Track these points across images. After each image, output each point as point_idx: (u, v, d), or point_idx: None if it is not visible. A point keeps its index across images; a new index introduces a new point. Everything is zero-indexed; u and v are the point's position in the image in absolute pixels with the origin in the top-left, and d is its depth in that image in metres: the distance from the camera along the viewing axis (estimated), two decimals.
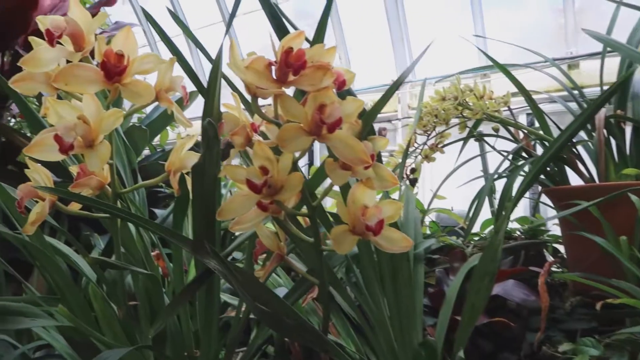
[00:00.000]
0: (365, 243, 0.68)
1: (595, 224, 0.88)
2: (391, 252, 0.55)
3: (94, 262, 0.63)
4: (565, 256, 1.09)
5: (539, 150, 1.18)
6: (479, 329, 0.87)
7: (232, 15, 0.59)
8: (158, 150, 1.74)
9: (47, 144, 0.52)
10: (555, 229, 1.17)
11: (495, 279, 0.67)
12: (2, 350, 0.77)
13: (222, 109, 0.58)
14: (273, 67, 0.48)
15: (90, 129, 0.51)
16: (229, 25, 0.60)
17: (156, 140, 1.94)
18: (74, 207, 0.64)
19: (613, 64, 1.12)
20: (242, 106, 0.58)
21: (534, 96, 1.09)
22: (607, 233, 0.86)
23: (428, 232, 1.36)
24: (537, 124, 1.26)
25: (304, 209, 0.64)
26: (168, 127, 2.03)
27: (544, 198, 1.18)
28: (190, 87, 0.69)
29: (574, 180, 1.06)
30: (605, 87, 1.08)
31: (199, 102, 1.25)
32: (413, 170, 1.21)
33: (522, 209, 1.95)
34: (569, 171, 1.06)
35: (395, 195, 1.12)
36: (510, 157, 1.15)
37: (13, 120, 1.73)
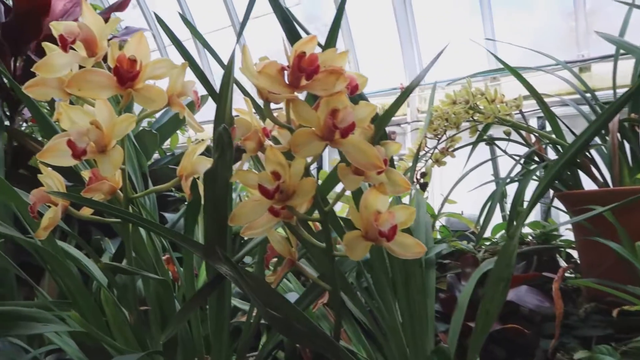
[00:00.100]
0: (377, 248, 0.68)
1: (610, 229, 0.87)
2: (404, 258, 0.54)
3: (106, 267, 0.63)
4: (578, 261, 1.07)
5: (550, 154, 1.17)
6: (492, 336, 0.86)
7: (244, 21, 0.59)
8: (168, 154, 1.74)
9: (60, 149, 0.52)
10: (568, 234, 1.16)
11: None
12: (14, 354, 0.78)
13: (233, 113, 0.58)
14: (285, 72, 0.48)
15: (103, 135, 0.51)
16: (240, 30, 0.60)
17: (166, 144, 1.95)
18: (86, 211, 0.64)
19: (626, 66, 1.10)
20: (253, 110, 0.58)
21: (546, 99, 1.08)
22: (622, 238, 0.85)
23: (438, 236, 1.35)
24: (548, 128, 1.25)
25: (315, 214, 0.64)
26: (178, 131, 2.04)
27: (555, 202, 1.17)
28: (200, 90, 0.69)
29: (587, 184, 1.04)
30: (619, 90, 1.07)
31: (208, 105, 1.25)
32: (423, 175, 1.21)
33: (533, 213, 1.93)
34: (582, 175, 1.05)
35: (406, 200, 1.12)
36: (521, 161, 1.13)
37: (25, 124, 1.75)
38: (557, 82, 1.31)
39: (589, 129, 0.58)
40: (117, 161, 0.51)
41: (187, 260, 0.69)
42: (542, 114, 1.89)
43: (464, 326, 0.81)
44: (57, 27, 0.53)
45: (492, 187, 1.33)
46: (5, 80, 1.27)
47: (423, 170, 1.22)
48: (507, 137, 1.14)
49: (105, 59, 0.57)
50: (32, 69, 0.53)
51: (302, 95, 0.51)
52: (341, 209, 1.29)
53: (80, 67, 0.56)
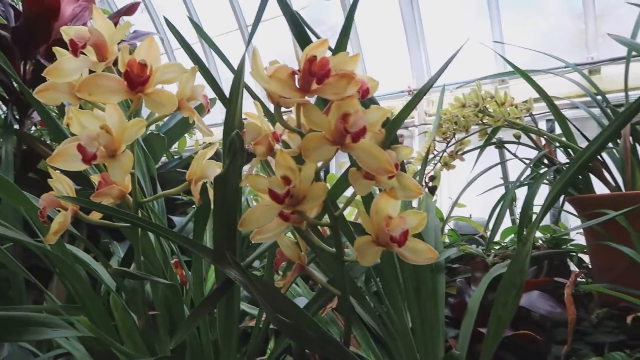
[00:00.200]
0: (387, 253, 0.67)
1: (623, 234, 0.86)
2: (416, 264, 0.53)
3: (116, 273, 0.62)
4: (590, 266, 1.06)
5: (560, 157, 1.16)
6: (503, 341, 0.85)
7: (254, 26, 0.59)
8: (175, 157, 1.74)
9: (70, 153, 0.52)
10: (579, 238, 1.15)
11: None
12: (23, 358, 0.78)
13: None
14: (296, 76, 0.47)
15: (113, 139, 0.51)
16: (250, 36, 0.60)
17: (173, 147, 1.95)
18: (95, 216, 0.64)
19: (637, 68, 1.09)
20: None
21: (555, 102, 1.07)
22: (636, 243, 0.84)
23: (447, 240, 1.34)
24: (557, 130, 1.23)
25: (324, 219, 0.63)
26: (185, 134, 2.04)
27: (566, 206, 1.16)
28: (208, 93, 0.68)
29: (599, 188, 1.03)
30: (631, 93, 1.06)
31: (215, 108, 1.25)
32: (432, 178, 1.20)
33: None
34: (593, 178, 1.03)
35: (414, 204, 1.11)
36: (531, 164, 1.12)
37: (33, 127, 1.76)
38: (565, 85, 1.30)
39: (602, 134, 0.58)
40: (127, 166, 0.51)
41: (196, 264, 0.69)
42: (551, 117, 1.88)
43: (474, 332, 0.80)
44: (67, 32, 0.53)
45: (500, 190, 1.32)
46: (15, 84, 1.28)
47: (432, 173, 1.21)
48: (517, 141, 1.13)
49: (115, 63, 0.57)
50: (42, 74, 0.53)
51: (311, 100, 0.50)
52: (348, 212, 1.29)
53: (91, 71, 0.56)
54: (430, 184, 1.23)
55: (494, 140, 1.22)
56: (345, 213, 1.24)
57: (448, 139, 1.15)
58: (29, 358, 0.79)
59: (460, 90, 1.25)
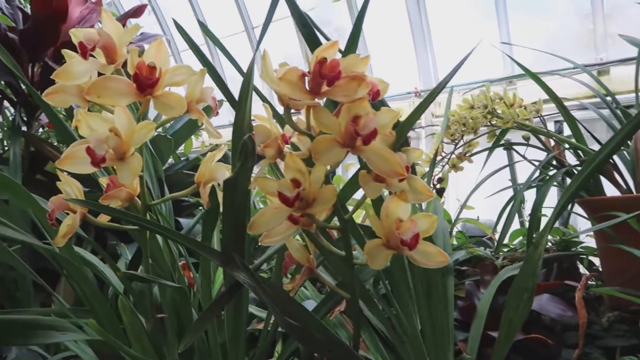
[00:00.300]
0: (397, 256, 0.67)
1: (634, 236, 0.85)
2: (426, 267, 0.53)
3: (125, 276, 0.62)
4: (600, 269, 1.05)
5: (569, 159, 1.15)
6: (513, 345, 0.84)
7: (264, 30, 0.59)
8: (182, 159, 1.75)
9: (78, 156, 0.52)
10: (589, 241, 1.13)
11: None
12: None
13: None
14: (306, 78, 0.47)
15: (122, 142, 0.50)
16: (260, 38, 0.60)
17: (179, 149, 1.95)
18: (103, 218, 0.63)
19: None
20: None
21: (564, 103, 1.06)
22: None
23: (455, 242, 1.33)
24: (565, 132, 1.22)
25: (333, 221, 0.63)
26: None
27: (575, 208, 1.15)
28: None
29: (609, 190, 1.02)
30: None
31: (222, 110, 1.25)
32: (440, 180, 1.19)
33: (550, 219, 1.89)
34: (603, 180, 1.02)
35: (423, 206, 1.10)
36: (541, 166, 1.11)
37: (41, 129, 1.76)
38: (573, 86, 1.29)
39: (615, 138, 0.57)
40: (136, 168, 0.51)
41: (204, 267, 0.68)
42: (559, 118, 1.86)
43: (484, 335, 0.79)
44: (76, 34, 0.53)
45: (508, 192, 1.31)
46: (23, 87, 1.28)
47: (439, 175, 1.20)
48: (526, 142, 1.12)
49: (123, 65, 0.56)
50: (51, 77, 0.53)
51: (320, 102, 0.50)
52: (355, 214, 1.28)
53: (99, 74, 0.55)
54: (438, 186, 1.22)
55: (502, 141, 1.21)
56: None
57: (456, 141, 1.14)
58: None
59: (466, 90, 1.25)
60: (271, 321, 0.72)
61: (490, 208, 1.51)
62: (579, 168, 1.05)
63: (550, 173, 1.15)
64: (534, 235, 0.98)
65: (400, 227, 0.51)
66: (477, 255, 1.19)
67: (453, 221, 1.27)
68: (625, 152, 1.01)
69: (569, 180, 1.13)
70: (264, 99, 0.59)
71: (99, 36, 0.52)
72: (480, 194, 1.30)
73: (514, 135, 1.26)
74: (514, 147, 1.18)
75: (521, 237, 1.35)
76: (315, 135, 0.51)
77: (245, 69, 0.70)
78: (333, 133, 0.48)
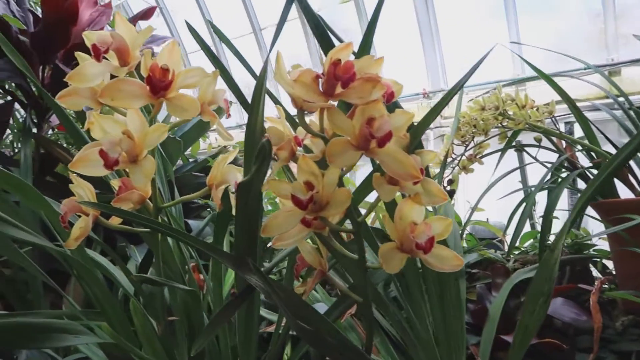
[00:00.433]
0: (410, 259, 0.66)
1: None
2: (441, 271, 0.52)
3: (138, 279, 0.62)
4: (614, 272, 1.03)
5: (581, 160, 1.13)
6: (527, 349, 0.83)
7: (276, 35, 0.58)
8: (190, 160, 1.75)
9: (91, 159, 0.52)
10: (602, 244, 1.12)
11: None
12: None
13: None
14: (320, 80, 0.47)
15: (135, 144, 0.50)
16: (274, 40, 0.59)
17: (187, 150, 1.96)
18: (115, 221, 0.63)
19: None
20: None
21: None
22: None
23: (465, 245, 1.32)
24: (576, 133, 1.21)
25: (344, 224, 0.62)
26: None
27: (587, 210, 1.13)
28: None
29: (623, 192, 1.01)
30: None
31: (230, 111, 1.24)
32: (450, 182, 1.18)
33: (560, 221, 1.88)
34: (617, 182, 1.01)
35: (430, 207, 1.09)
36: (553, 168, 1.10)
37: (50, 131, 1.77)
38: (583, 87, 1.27)
39: (632, 142, 0.56)
40: (149, 171, 0.50)
41: (215, 270, 0.68)
42: (569, 119, 1.84)
43: (496, 339, 0.78)
44: (90, 37, 0.53)
45: (518, 194, 1.29)
46: (34, 89, 1.29)
47: (450, 177, 1.19)
48: (538, 144, 1.11)
49: (135, 68, 0.56)
50: (64, 79, 0.53)
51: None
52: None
53: (112, 76, 0.55)
54: (448, 188, 1.21)
55: (513, 143, 1.20)
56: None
57: (467, 142, 1.13)
58: None
59: (474, 92, 1.24)
60: (282, 324, 0.72)
61: (500, 210, 1.50)
62: (593, 170, 1.04)
63: (562, 175, 1.14)
64: (547, 238, 0.97)
65: (415, 231, 0.50)
66: (487, 258, 1.18)
67: (463, 223, 1.26)
68: (639, 154, 1.00)
69: (580, 182, 1.12)
70: (276, 101, 0.59)
71: (112, 38, 0.52)
72: (490, 195, 1.29)
73: (524, 137, 1.25)
74: (525, 148, 1.17)
75: (532, 240, 1.33)
76: (329, 138, 0.51)
77: (250, 71, 0.70)
78: (347, 135, 0.48)
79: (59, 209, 0.67)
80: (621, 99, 1.14)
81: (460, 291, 0.77)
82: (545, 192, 1.12)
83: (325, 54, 0.47)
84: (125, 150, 0.50)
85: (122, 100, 0.50)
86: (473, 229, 1.60)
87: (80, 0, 1.21)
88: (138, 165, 0.51)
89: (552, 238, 1.12)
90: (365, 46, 0.58)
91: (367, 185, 0.60)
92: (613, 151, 1.05)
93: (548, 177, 1.14)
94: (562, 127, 2.18)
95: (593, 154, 1.03)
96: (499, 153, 1.22)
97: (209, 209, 1.49)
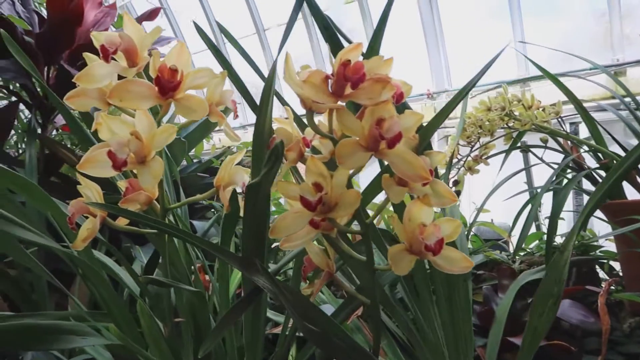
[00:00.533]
0: (418, 261, 0.66)
1: None
2: (450, 273, 0.52)
3: (146, 281, 0.62)
4: (621, 274, 1.03)
5: (588, 161, 1.13)
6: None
7: (284, 38, 0.58)
8: (194, 161, 1.75)
9: (99, 160, 0.52)
10: (608, 245, 1.12)
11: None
12: None
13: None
14: (329, 81, 0.46)
15: (143, 145, 0.50)
16: (282, 42, 0.59)
17: (191, 151, 1.96)
18: (122, 222, 0.63)
19: None
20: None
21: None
22: None
23: (470, 246, 1.31)
24: (581, 134, 1.20)
25: (351, 225, 0.62)
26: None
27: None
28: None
29: (630, 194, 1.00)
30: None
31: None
32: (456, 183, 1.18)
33: (565, 222, 1.87)
34: (624, 184, 1.00)
35: (436, 208, 1.09)
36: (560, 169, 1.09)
37: (54, 132, 1.78)
38: (588, 87, 1.27)
39: None
40: (157, 172, 0.50)
41: (222, 271, 0.68)
42: (574, 120, 1.83)
43: (502, 341, 0.78)
44: (98, 38, 0.53)
45: (523, 195, 1.29)
46: (39, 89, 1.29)
47: (455, 178, 1.19)
48: (544, 145, 1.10)
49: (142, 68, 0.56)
50: (73, 80, 0.53)
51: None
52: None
53: (119, 77, 0.55)
54: (454, 189, 1.21)
55: (518, 144, 1.20)
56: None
57: (472, 143, 1.12)
58: None
59: (480, 92, 1.23)
60: (289, 325, 0.72)
61: (505, 211, 1.49)
62: (599, 171, 1.03)
63: (567, 176, 1.13)
64: (553, 240, 0.96)
65: (424, 232, 0.50)
66: (493, 259, 1.17)
67: (469, 225, 1.25)
68: None
69: (587, 183, 1.11)
70: (283, 102, 0.58)
71: (121, 39, 0.52)
72: (494, 196, 1.29)
73: (529, 137, 1.25)
74: (531, 149, 1.16)
75: (537, 241, 1.33)
76: (338, 139, 0.51)
77: (257, 72, 0.70)
78: (356, 136, 0.47)
79: (64, 209, 0.67)
80: (627, 99, 1.14)
81: (468, 292, 0.77)
82: (549, 192, 1.11)
83: (334, 55, 0.47)
84: (133, 152, 0.50)
85: (131, 101, 0.50)
86: (477, 230, 1.59)
87: (86, 1, 1.21)
88: (146, 167, 0.50)
89: (557, 239, 1.12)
90: (374, 47, 0.57)
91: (374, 187, 0.60)
92: (619, 152, 1.05)
93: (556, 178, 1.14)
94: (567, 128, 2.18)
95: (600, 154, 1.02)
96: (505, 154, 1.22)
97: (213, 210, 1.49)
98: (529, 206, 1.13)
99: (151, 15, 1.36)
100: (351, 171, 0.51)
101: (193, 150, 2.00)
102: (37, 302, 1.01)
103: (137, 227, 0.65)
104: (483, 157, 1.15)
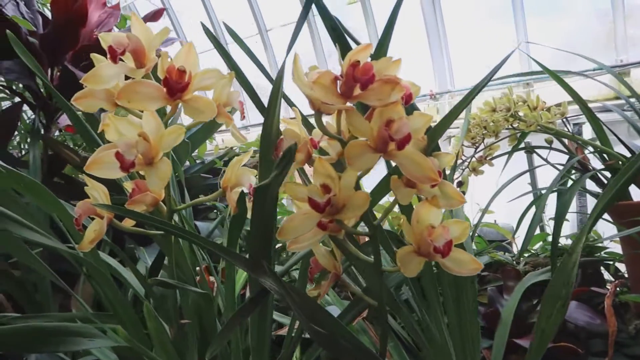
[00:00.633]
0: (425, 262, 0.66)
1: None
2: (458, 275, 0.52)
3: (154, 283, 0.62)
4: (626, 275, 1.03)
5: (593, 162, 1.12)
6: None
7: (292, 42, 0.58)
8: (197, 162, 1.75)
9: (106, 161, 0.51)
10: (613, 246, 1.11)
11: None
12: None
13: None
14: (338, 82, 0.46)
15: (151, 147, 0.50)
16: (291, 43, 0.59)
17: (194, 152, 1.95)
18: (128, 223, 0.63)
19: None
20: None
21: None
22: None
23: (474, 247, 1.31)
24: (585, 134, 1.19)
25: (358, 227, 0.62)
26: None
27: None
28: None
29: (636, 195, 1.00)
30: None
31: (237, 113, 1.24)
32: (460, 184, 1.17)
33: (569, 223, 1.87)
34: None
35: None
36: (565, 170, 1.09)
37: (57, 132, 1.78)
38: (591, 88, 1.26)
39: None
40: (165, 173, 0.50)
41: (228, 273, 0.68)
42: (578, 121, 1.83)
43: (508, 342, 0.78)
44: (105, 39, 0.53)
45: (524, 196, 1.28)
46: (42, 90, 1.29)
47: (459, 179, 1.19)
48: (549, 146, 1.10)
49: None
50: (80, 81, 0.53)
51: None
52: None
53: (126, 77, 0.55)
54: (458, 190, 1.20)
55: (522, 145, 1.19)
56: None
57: (477, 144, 1.12)
58: None
59: (484, 92, 1.22)
60: (295, 327, 0.72)
61: (509, 212, 1.49)
62: (605, 172, 1.03)
63: (572, 177, 1.13)
64: (558, 241, 0.96)
65: (432, 234, 0.50)
66: (497, 260, 1.17)
67: (473, 226, 1.25)
68: None
69: (589, 184, 1.11)
70: (291, 103, 0.58)
71: (129, 40, 0.52)
72: (497, 197, 1.28)
73: (533, 138, 1.24)
74: (536, 150, 1.16)
75: (541, 242, 1.33)
76: (346, 140, 0.51)
77: (260, 73, 0.70)
78: (365, 137, 0.47)
79: (70, 210, 0.67)
80: (632, 99, 1.13)
81: (475, 294, 0.76)
82: (552, 193, 1.11)
83: (343, 56, 0.47)
84: (141, 153, 0.49)
85: (139, 102, 0.50)
86: (480, 231, 1.59)
87: (90, 2, 1.20)
88: (154, 168, 0.50)
89: (561, 240, 1.12)
90: (382, 48, 0.57)
91: (382, 188, 0.59)
92: (624, 152, 1.04)
93: (562, 179, 1.13)
94: (570, 129, 2.17)
95: (605, 155, 1.02)
96: (507, 155, 1.21)
97: (215, 211, 1.49)
98: (533, 207, 1.12)
99: (155, 16, 1.36)
100: (359, 173, 0.51)
101: (196, 151, 2.00)
102: (40, 302, 1.00)
103: (143, 228, 0.65)
104: (487, 158, 1.15)
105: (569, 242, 1.30)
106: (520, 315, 0.90)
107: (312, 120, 0.54)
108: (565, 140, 1.12)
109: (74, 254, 0.63)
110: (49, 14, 1.36)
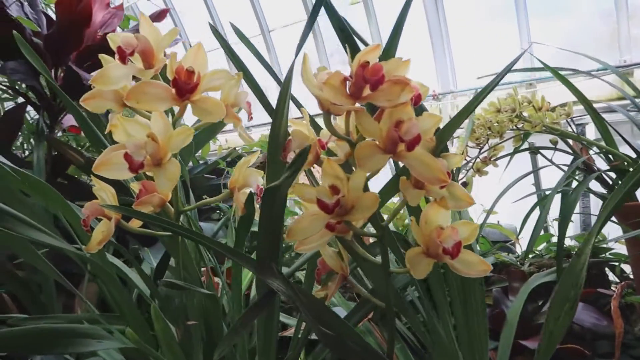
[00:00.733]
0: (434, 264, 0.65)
1: None
2: (467, 276, 0.51)
3: (163, 284, 0.62)
4: (632, 277, 1.02)
5: (598, 162, 1.12)
6: None
7: (300, 43, 0.58)
8: (201, 162, 1.75)
9: (114, 162, 0.51)
10: (619, 247, 1.11)
11: None
12: None
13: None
14: (347, 83, 0.46)
15: (159, 147, 0.50)
16: (300, 45, 0.59)
17: (197, 152, 1.95)
18: (135, 224, 0.63)
19: None
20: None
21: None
22: None
23: (478, 248, 1.31)
24: (589, 135, 1.19)
25: (365, 228, 0.62)
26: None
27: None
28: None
29: None
30: None
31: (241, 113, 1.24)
32: (464, 185, 1.17)
33: (573, 224, 1.86)
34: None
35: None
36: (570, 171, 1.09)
37: (60, 133, 1.78)
38: (595, 88, 1.26)
39: None
40: (174, 174, 0.50)
41: (235, 274, 0.68)
42: (581, 121, 1.82)
43: (514, 344, 0.77)
44: (114, 39, 0.52)
45: (529, 197, 1.28)
46: (47, 91, 1.29)
47: (464, 180, 1.18)
48: (554, 146, 1.10)
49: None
50: (89, 82, 0.53)
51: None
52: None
53: (134, 78, 0.55)
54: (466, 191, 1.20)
55: (525, 145, 1.19)
56: None
57: (481, 145, 1.12)
58: None
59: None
60: (301, 328, 0.71)
61: (511, 213, 1.48)
62: (610, 173, 1.03)
63: (582, 179, 1.13)
64: (563, 242, 0.96)
65: (441, 235, 0.50)
66: (502, 261, 1.17)
67: (479, 227, 1.25)
68: None
69: (596, 184, 1.11)
70: (299, 105, 0.58)
71: (137, 41, 0.52)
72: (503, 198, 1.28)
73: (537, 139, 1.24)
74: (540, 151, 1.16)
75: (545, 243, 1.32)
76: (354, 141, 0.51)
77: (270, 73, 0.70)
78: (374, 138, 0.47)
79: (76, 210, 0.67)
80: (638, 100, 1.13)
81: (483, 296, 0.76)
82: (560, 195, 1.11)
83: (352, 57, 0.47)
84: (150, 154, 0.49)
85: (148, 103, 0.50)
86: (484, 232, 1.59)
87: (94, 2, 1.20)
88: (162, 169, 0.50)
89: (566, 242, 1.11)
90: (390, 48, 0.57)
91: (389, 190, 0.59)
92: (630, 153, 1.04)
93: (559, 179, 1.13)
94: (573, 129, 2.17)
95: (610, 156, 1.02)
96: (510, 156, 1.21)
97: (218, 211, 1.49)
98: (537, 208, 1.12)
99: (159, 16, 1.36)
100: (367, 174, 0.51)
101: (199, 151, 2.00)
102: (44, 303, 1.00)
103: (149, 229, 0.65)
104: (492, 159, 1.15)
105: (574, 243, 1.29)
106: (525, 317, 0.89)
107: (319, 121, 0.54)
108: (570, 141, 1.11)
109: (81, 254, 0.63)
110: (53, 14, 1.36)
